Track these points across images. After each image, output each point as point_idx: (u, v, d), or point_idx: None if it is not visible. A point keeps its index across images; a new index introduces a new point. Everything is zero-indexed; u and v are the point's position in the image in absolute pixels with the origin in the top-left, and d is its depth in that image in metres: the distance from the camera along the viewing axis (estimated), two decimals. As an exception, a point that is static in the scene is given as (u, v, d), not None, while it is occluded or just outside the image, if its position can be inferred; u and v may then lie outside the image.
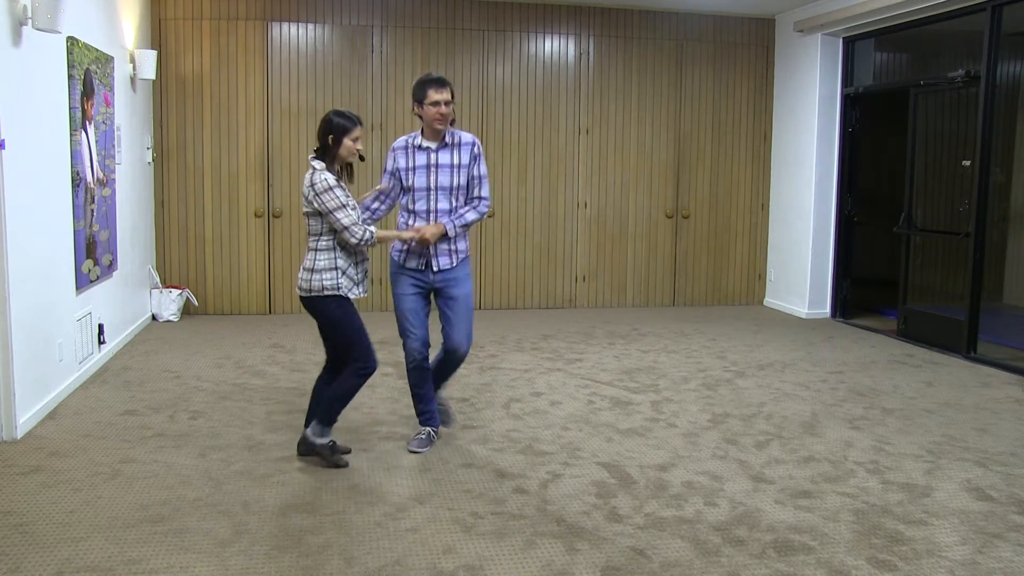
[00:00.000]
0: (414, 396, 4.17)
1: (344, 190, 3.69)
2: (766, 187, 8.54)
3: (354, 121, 3.75)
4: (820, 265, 7.95)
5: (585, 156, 8.14)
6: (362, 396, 5.03)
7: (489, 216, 7.54)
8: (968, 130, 6.36)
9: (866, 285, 8.12)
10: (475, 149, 4.03)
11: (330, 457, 3.85)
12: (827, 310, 8.02)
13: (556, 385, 5.34)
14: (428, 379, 4.14)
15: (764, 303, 8.64)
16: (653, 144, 8.28)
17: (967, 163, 6.36)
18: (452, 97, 3.95)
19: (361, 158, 3.87)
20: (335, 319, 3.78)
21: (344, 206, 3.65)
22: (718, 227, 8.50)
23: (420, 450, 4.06)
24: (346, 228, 3.66)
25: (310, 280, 3.72)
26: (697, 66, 8.27)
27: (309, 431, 3.86)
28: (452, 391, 4.95)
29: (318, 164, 3.71)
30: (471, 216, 4.03)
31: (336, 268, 3.73)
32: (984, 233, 6.24)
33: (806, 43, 7.88)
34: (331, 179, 3.67)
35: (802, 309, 8.02)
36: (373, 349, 3.84)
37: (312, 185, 3.66)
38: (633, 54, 8.14)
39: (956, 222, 6.53)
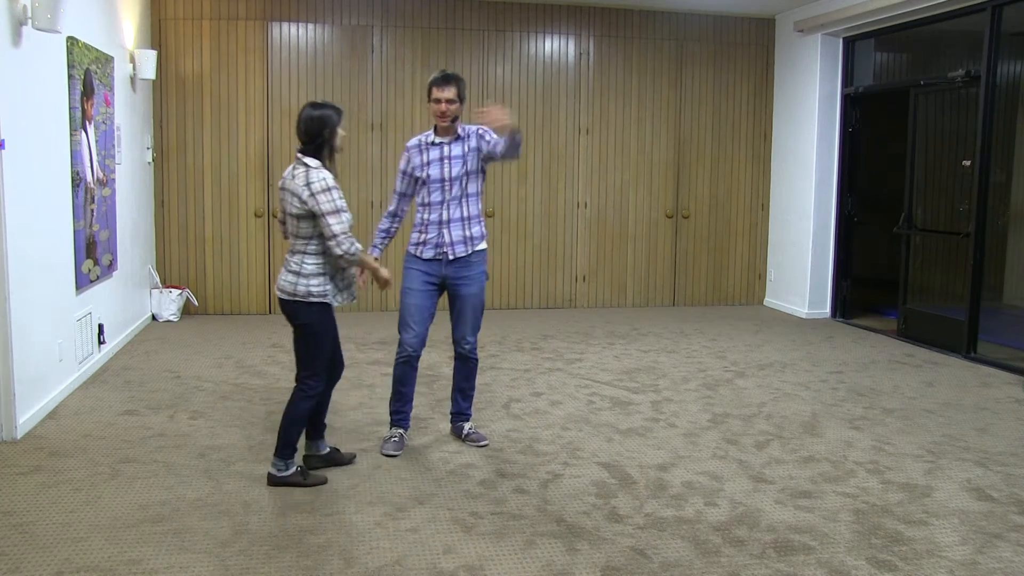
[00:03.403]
0: (394, 392, 4.10)
1: (340, 192, 3.46)
2: (766, 187, 8.54)
3: (340, 111, 3.57)
4: (820, 265, 7.94)
5: (585, 156, 8.14)
6: (361, 396, 5.04)
7: (490, 216, 7.57)
8: (968, 130, 6.36)
9: (866, 285, 8.11)
10: (480, 130, 4.01)
11: (304, 482, 3.58)
12: (827, 310, 8.02)
13: (556, 385, 5.34)
14: (412, 380, 4.09)
15: (764, 303, 8.64)
16: (653, 144, 8.27)
17: (967, 163, 6.36)
18: (459, 94, 3.93)
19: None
20: (314, 328, 3.54)
21: (339, 211, 3.41)
22: (718, 227, 8.50)
23: (395, 453, 3.98)
24: (335, 236, 3.40)
25: (295, 284, 3.47)
26: (697, 66, 8.27)
27: (272, 467, 3.59)
28: (450, 391, 4.92)
29: (312, 161, 3.45)
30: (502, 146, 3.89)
31: (324, 274, 3.51)
32: (984, 233, 6.25)
33: (806, 43, 7.87)
34: (330, 179, 3.43)
35: (802, 309, 8.02)
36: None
37: (308, 184, 3.39)
38: (633, 54, 8.13)
39: (956, 222, 6.53)
